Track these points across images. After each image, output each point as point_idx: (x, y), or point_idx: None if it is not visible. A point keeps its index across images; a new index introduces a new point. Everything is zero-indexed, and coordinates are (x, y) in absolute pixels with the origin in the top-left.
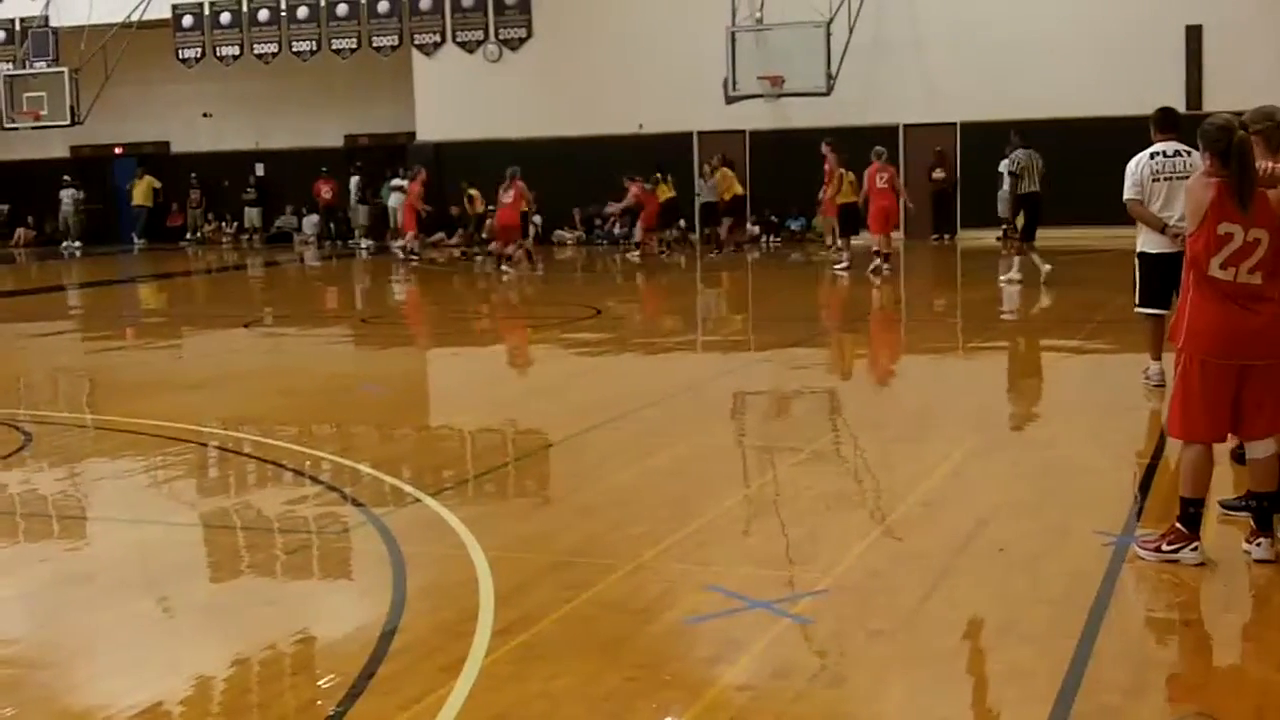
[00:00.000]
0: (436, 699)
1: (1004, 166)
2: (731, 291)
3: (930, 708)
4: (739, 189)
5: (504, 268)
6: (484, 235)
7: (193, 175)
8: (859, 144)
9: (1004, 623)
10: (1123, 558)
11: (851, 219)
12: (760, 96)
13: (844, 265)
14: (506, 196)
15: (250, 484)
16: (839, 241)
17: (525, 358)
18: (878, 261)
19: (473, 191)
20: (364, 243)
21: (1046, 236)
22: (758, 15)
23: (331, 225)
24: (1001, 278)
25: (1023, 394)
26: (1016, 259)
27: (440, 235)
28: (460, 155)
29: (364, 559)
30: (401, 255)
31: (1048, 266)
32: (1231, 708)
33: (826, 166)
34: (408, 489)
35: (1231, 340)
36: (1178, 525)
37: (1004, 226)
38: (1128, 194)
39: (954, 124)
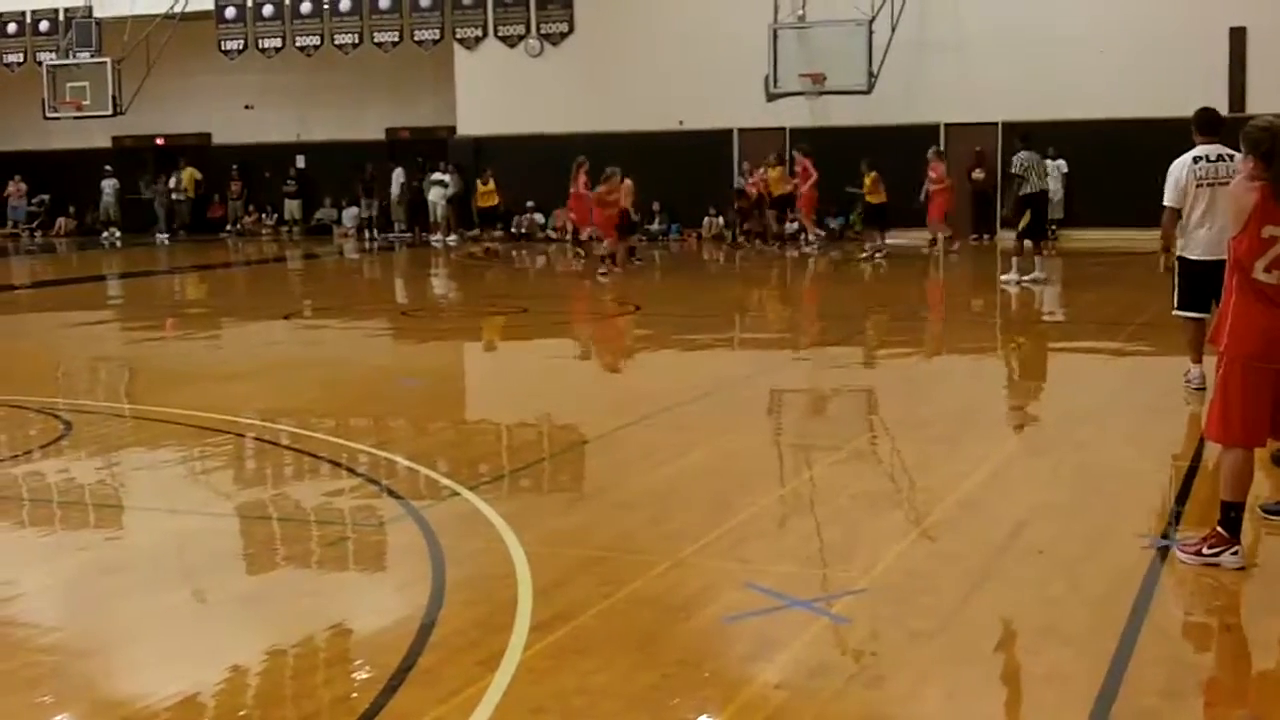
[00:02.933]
0: (475, 692)
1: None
2: (771, 288)
3: (969, 709)
4: (784, 188)
5: (615, 267)
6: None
7: (234, 167)
8: (900, 143)
9: (1043, 625)
10: (1163, 561)
11: (879, 215)
12: (801, 94)
13: (813, 245)
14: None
15: (288, 476)
16: (863, 233)
17: (563, 353)
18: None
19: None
20: (355, 232)
21: (1088, 238)
22: (800, 13)
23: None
24: (1026, 279)
25: (1063, 395)
26: (1036, 259)
27: (476, 230)
28: (500, 150)
29: (402, 552)
30: (585, 254)
31: (1041, 274)
32: (1272, 713)
33: (798, 168)
34: (445, 482)
35: (1274, 344)
36: (1218, 529)
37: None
38: (1168, 199)
39: (995, 124)
